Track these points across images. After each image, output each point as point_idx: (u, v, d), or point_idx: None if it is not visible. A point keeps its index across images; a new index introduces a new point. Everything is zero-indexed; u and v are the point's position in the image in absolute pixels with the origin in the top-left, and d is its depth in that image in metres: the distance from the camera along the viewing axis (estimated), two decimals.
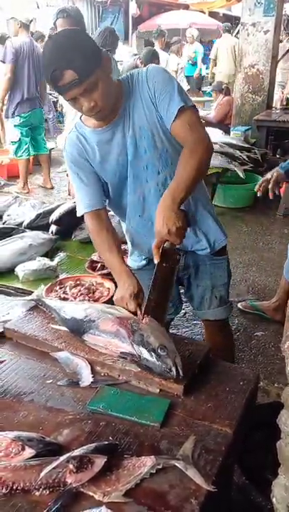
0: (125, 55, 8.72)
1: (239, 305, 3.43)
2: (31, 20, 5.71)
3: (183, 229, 1.44)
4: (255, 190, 2.68)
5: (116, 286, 2.11)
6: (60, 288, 2.29)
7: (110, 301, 1.97)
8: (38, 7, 10.09)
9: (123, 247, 2.50)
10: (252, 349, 3.00)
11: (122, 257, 1.75)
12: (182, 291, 2.10)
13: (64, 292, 2.14)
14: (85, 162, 1.71)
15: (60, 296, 2.11)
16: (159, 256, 1.48)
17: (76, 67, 1.40)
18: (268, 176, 2.61)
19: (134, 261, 2.00)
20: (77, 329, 1.56)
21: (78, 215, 1.80)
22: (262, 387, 2.53)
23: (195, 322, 3.21)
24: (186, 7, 15.34)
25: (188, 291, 2.04)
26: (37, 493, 1.05)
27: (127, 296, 1.61)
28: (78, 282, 2.22)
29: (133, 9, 13.74)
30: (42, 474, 1.06)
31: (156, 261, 1.49)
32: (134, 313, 1.57)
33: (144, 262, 1.96)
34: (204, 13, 15.19)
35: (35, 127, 5.78)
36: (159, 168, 1.67)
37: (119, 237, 1.90)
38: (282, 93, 7.42)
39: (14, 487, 1.06)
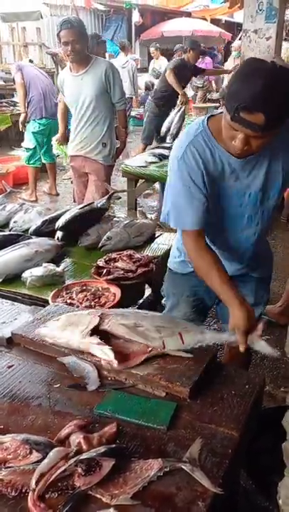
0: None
1: None
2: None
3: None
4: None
5: (122, 292, 2.14)
6: (67, 293, 2.31)
7: (116, 307, 2.00)
8: (41, 17, 10.15)
9: None
10: (258, 353, 2.98)
11: (231, 281, 1.62)
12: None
13: (70, 298, 2.16)
14: (200, 174, 1.58)
15: (66, 302, 2.13)
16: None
17: (269, 117, 1.30)
18: None
19: (182, 267, 1.98)
20: None
21: (180, 229, 1.72)
22: (268, 392, 2.54)
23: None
24: (189, 15, 15.45)
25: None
26: (46, 496, 1.07)
27: (245, 326, 1.52)
28: (84, 288, 2.24)
29: (136, 17, 13.85)
30: (52, 477, 1.07)
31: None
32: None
33: (191, 269, 1.92)
34: (206, 20, 15.30)
35: (49, 136, 5.87)
36: (265, 220, 1.73)
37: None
38: None
39: (23, 490, 1.07)
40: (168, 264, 2.08)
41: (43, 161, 6.08)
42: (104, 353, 1.48)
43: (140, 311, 1.59)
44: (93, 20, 13.95)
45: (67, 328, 1.58)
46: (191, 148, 1.57)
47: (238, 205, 1.67)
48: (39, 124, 5.67)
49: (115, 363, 1.45)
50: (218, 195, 1.63)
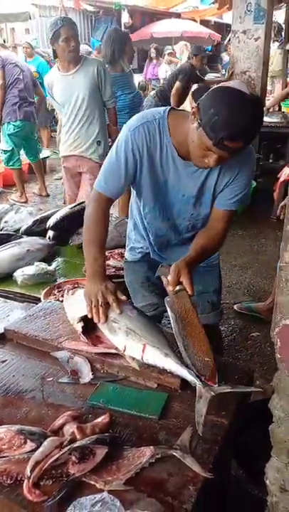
0: None
1: (235, 307, 3.48)
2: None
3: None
4: (277, 214, 3.01)
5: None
6: (59, 291, 2.33)
7: None
8: (30, 18, 10.14)
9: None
10: (248, 349, 3.04)
11: (105, 258, 1.80)
12: None
13: (62, 296, 2.18)
14: (140, 154, 1.66)
15: (58, 300, 2.15)
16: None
17: (246, 144, 1.47)
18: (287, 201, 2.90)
19: (131, 254, 2.08)
20: None
21: (96, 187, 1.76)
22: (258, 386, 2.58)
23: None
24: (178, 16, 15.52)
25: None
26: (40, 483, 1.09)
27: (104, 290, 1.60)
28: (76, 286, 2.26)
29: (125, 18, 13.88)
30: (47, 464, 1.10)
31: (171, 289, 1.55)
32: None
33: (139, 256, 2.05)
34: (196, 21, 15.37)
35: (26, 138, 5.85)
36: (199, 221, 1.84)
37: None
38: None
39: (18, 478, 1.10)
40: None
41: (29, 162, 6.09)
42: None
43: (132, 309, 1.60)
44: (82, 21, 13.95)
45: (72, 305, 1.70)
46: (144, 127, 1.64)
47: (175, 200, 1.76)
48: (14, 125, 5.63)
49: (89, 348, 1.55)
50: (156, 181, 1.72)
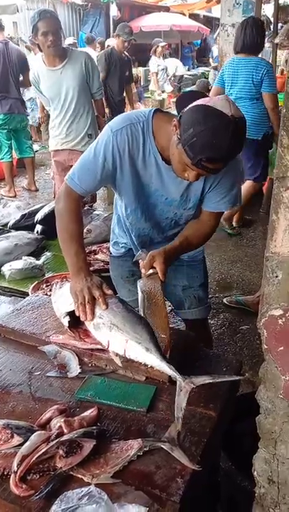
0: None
1: (224, 300, 3.49)
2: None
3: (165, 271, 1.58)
4: None
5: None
6: (47, 286, 2.33)
7: None
8: (17, 10, 10.01)
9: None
10: (237, 342, 3.05)
11: (86, 253, 1.75)
12: None
13: (50, 290, 2.17)
14: (121, 158, 1.62)
15: (46, 294, 2.14)
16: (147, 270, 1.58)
17: (225, 164, 1.45)
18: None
19: (115, 249, 2.06)
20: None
21: (68, 182, 1.69)
22: (247, 379, 2.59)
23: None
24: (167, 9, 15.45)
25: (167, 290, 2.07)
26: (28, 478, 1.08)
27: (90, 286, 1.58)
28: (64, 280, 2.25)
29: (114, 12, 13.76)
30: (34, 458, 1.09)
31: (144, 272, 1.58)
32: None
33: (123, 250, 2.02)
34: (185, 15, 15.33)
35: (16, 131, 5.76)
36: (183, 219, 1.80)
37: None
38: None
39: (5, 472, 1.09)
40: None
41: (20, 156, 5.99)
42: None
43: (118, 302, 1.58)
44: (71, 14, 13.82)
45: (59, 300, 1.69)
46: (128, 129, 1.59)
47: (157, 202, 1.73)
48: None
49: (76, 343, 1.55)
50: (137, 184, 1.68)
